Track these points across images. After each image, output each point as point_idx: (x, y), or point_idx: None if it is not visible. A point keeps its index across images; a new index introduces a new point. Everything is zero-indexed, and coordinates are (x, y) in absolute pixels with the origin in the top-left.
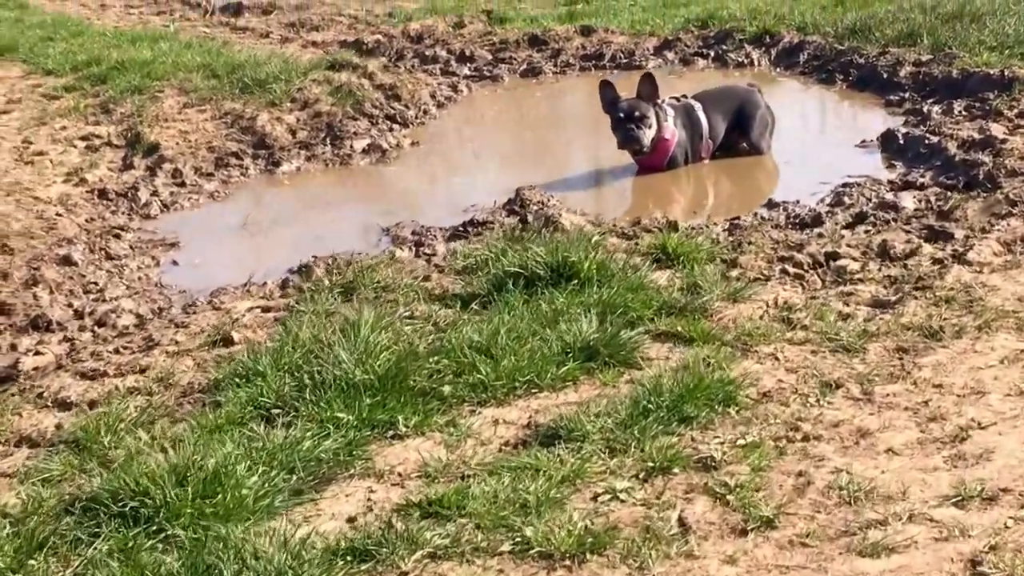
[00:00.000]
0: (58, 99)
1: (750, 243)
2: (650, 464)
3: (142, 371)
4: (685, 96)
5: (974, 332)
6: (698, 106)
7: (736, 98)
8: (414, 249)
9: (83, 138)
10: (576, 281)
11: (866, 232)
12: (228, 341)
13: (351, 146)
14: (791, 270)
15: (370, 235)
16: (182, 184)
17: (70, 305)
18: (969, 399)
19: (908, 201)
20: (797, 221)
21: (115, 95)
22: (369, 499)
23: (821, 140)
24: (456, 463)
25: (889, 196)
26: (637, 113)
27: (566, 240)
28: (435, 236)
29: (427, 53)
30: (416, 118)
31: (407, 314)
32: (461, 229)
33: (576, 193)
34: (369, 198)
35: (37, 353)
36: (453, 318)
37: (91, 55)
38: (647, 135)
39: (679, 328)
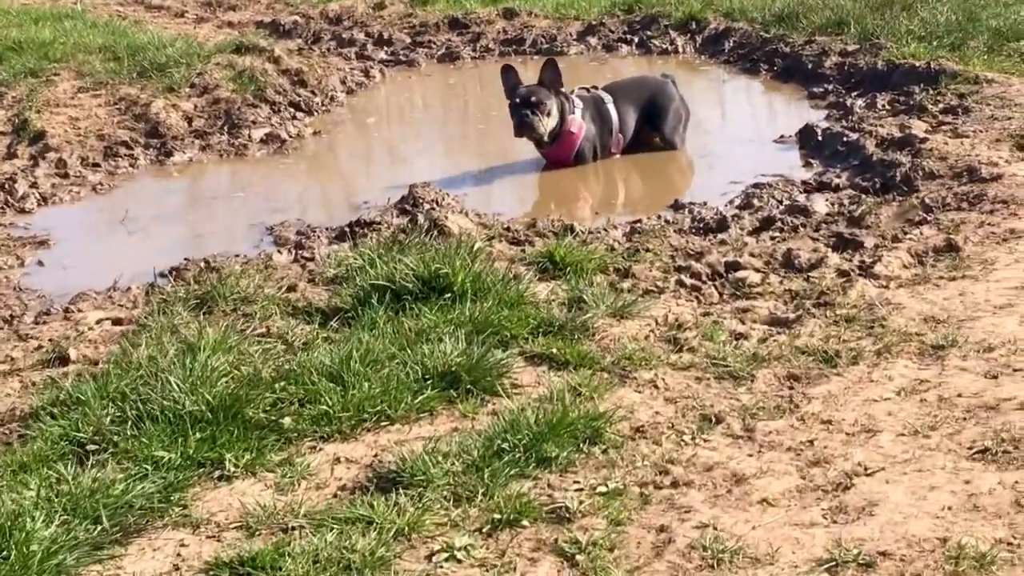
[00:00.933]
0: None
1: (647, 250)
2: (496, 515)
3: None
4: (595, 87)
5: (872, 358)
6: (608, 98)
7: (648, 90)
8: (293, 252)
9: None
10: (449, 295)
11: (772, 239)
12: (64, 360)
13: (249, 135)
14: (688, 281)
15: (253, 234)
16: (65, 175)
17: None
18: (858, 439)
19: (820, 205)
20: (701, 226)
21: (8, 78)
22: (179, 555)
23: (739, 135)
24: (283, 511)
25: (801, 199)
26: (534, 99)
27: (444, 248)
28: (319, 237)
29: (344, 36)
30: (322, 105)
31: (260, 331)
32: (347, 230)
33: (477, 189)
34: (260, 193)
35: None
36: (309, 336)
37: None
38: (544, 123)
39: (554, 350)
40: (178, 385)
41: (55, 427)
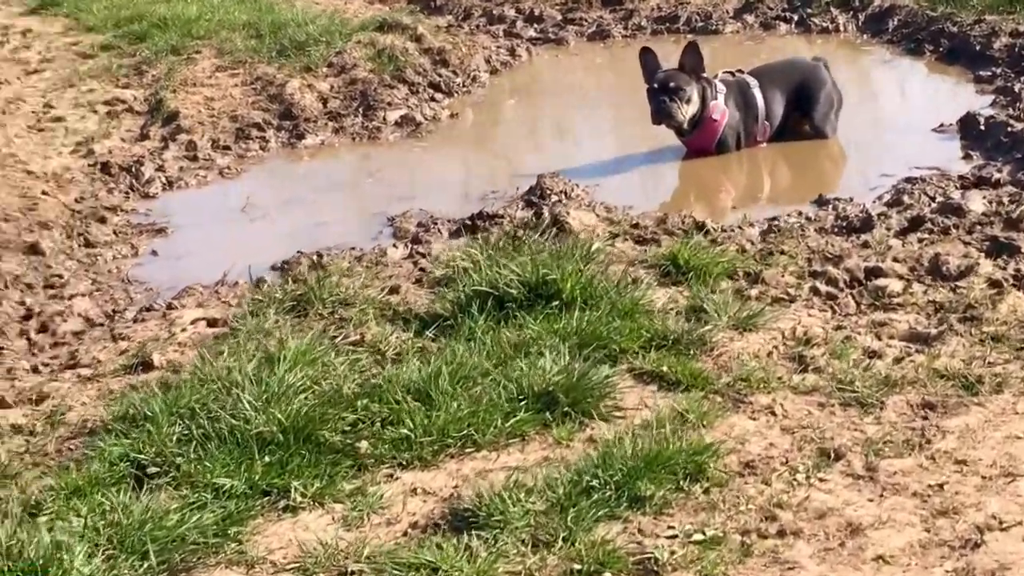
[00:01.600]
0: (93, 58)
1: (782, 252)
2: (576, 566)
3: (38, 401)
4: (740, 71)
5: (1019, 385)
6: (754, 83)
7: (798, 74)
8: (409, 247)
9: (107, 103)
10: (557, 303)
11: (920, 242)
12: (147, 366)
13: (384, 118)
14: (823, 289)
15: (374, 224)
16: (194, 158)
17: (22, 303)
18: (995, 484)
19: (976, 203)
20: (844, 225)
21: (150, 55)
22: None
23: (896, 122)
24: (345, 551)
25: (956, 196)
26: (673, 84)
27: (558, 249)
28: (439, 230)
29: (495, 12)
30: (463, 86)
31: (353, 339)
32: (468, 223)
33: (612, 179)
34: (389, 179)
35: None
36: (403, 347)
37: (135, 11)
38: (683, 110)
39: (665, 367)
40: (249, 402)
41: (116, 446)
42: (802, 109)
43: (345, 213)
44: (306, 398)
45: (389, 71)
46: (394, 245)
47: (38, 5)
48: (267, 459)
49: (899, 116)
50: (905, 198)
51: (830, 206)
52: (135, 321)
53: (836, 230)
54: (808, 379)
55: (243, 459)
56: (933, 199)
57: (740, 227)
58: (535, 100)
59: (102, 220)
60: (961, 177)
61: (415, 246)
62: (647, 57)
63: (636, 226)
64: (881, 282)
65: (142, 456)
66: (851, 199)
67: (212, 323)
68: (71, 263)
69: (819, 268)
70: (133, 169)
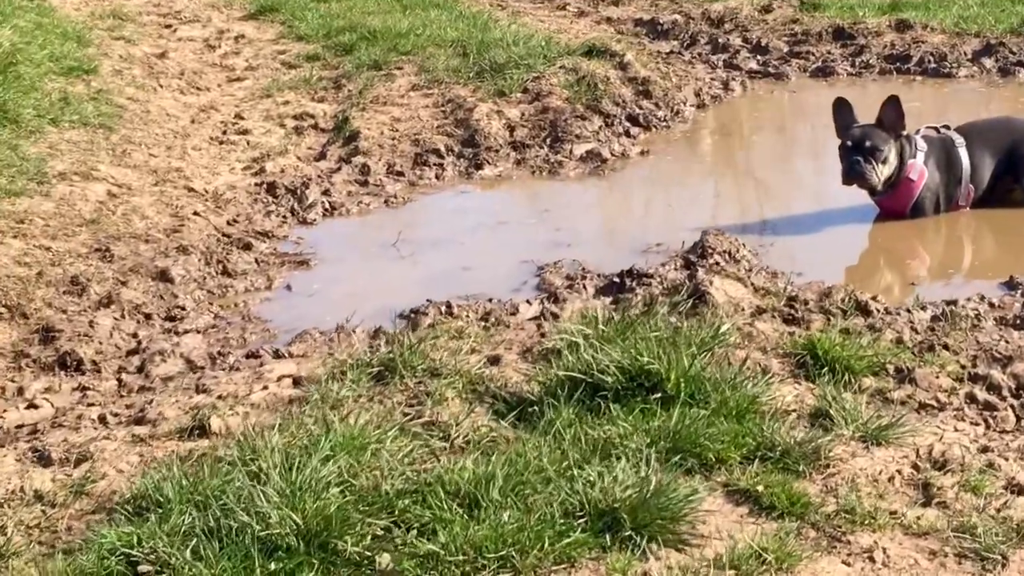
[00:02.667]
0: (296, 68)
1: (945, 346)
2: None
3: (78, 462)
4: (946, 127)
5: None
6: (960, 141)
7: (1012, 133)
8: (543, 304)
9: (296, 117)
10: (658, 395)
11: None
12: (203, 431)
13: (570, 151)
14: (980, 396)
15: (523, 272)
16: (364, 183)
17: (135, 335)
18: None
19: None
20: None
21: (351, 69)
22: None
23: None
24: None
25: None
26: (868, 143)
27: (680, 328)
28: (585, 287)
29: (720, 40)
30: (663, 120)
31: (426, 419)
32: (617, 281)
33: (789, 240)
34: (554, 220)
35: (31, 406)
36: (477, 435)
37: (349, 21)
38: (878, 171)
39: (762, 487)
40: (269, 496)
41: (110, 536)
42: (1014, 173)
43: (497, 257)
44: (338, 494)
45: (585, 100)
46: (528, 301)
47: (257, 10)
48: (272, 566)
49: None
50: None
51: (1020, 291)
52: (229, 369)
53: (1018, 322)
54: (927, 516)
55: (244, 565)
56: None
57: (909, 309)
58: (735, 140)
59: (247, 247)
60: None
61: (551, 304)
62: (841, 109)
63: (793, 300)
64: None
65: (135, 551)
66: None
67: (297, 382)
68: (200, 293)
69: (983, 370)
70: (298, 191)
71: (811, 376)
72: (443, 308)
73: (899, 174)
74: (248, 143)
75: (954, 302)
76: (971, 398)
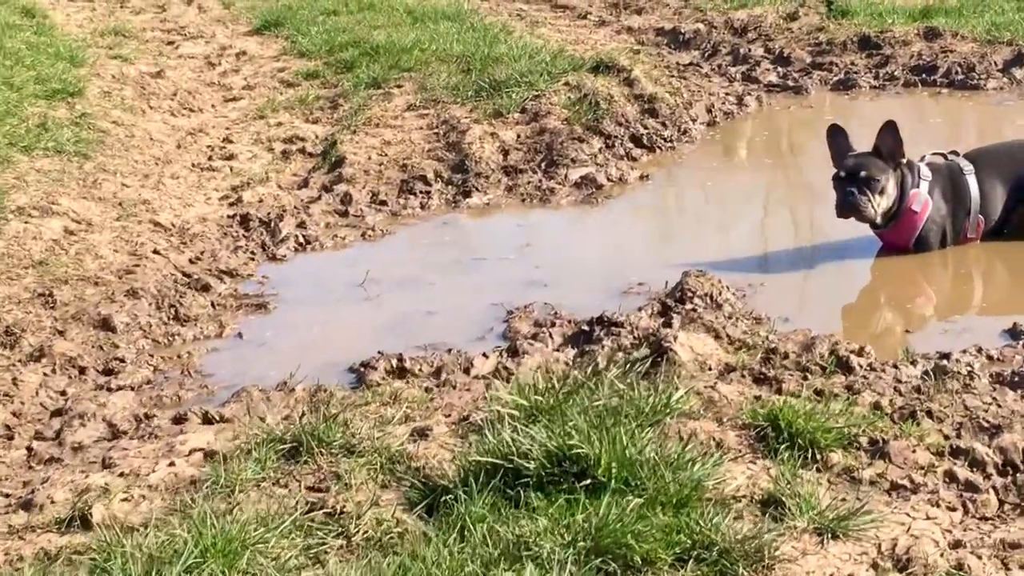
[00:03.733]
0: (294, 87)
1: (928, 413)
2: None
3: None
4: (954, 152)
5: None
6: (968, 168)
7: None
8: (500, 358)
9: (287, 140)
10: (588, 481)
11: None
12: (85, 522)
13: (564, 176)
14: (961, 475)
15: (490, 317)
16: (344, 213)
17: (63, 393)
18: None
19: None
20: None
21: (349, 88)
22: None
23: None
24: None
25: None
26: (864, 174)
27: (644, 391)
28: (550, 336)
29: (742, 51)
30: (669, 141)
31: (330, 508)
32: (586, 329)
33: (781, 278)
34: (533, 256)
35: None
36: (380, 530)
37: (352, 36)
38: (875, 203)
39: None
40: None
41: None
42: None
43: (464, 299)
44: None
45: (585, 120)
46: (484, 354)
47: (262, 24)
48: None
49: None
50: None
51: (1022, 342)
52: (147, 437)
53: (1015, 381)
54: None
55: None
56: None
57: (896, 365)
58: (740, 164)
59: (205, 288)
60: None
61: (508, 359)
62: (836, 137)
63: (771, 354)
64: None
65: None
66: None
67: (209, 456)
68: (144, 342)
69: (967, 443)
70: (272, 224)
71: (771, 452)
72: (394, 362)
73: (900, 205)
74: (231, 169)
75: (947, 355)
76: (950, 477)
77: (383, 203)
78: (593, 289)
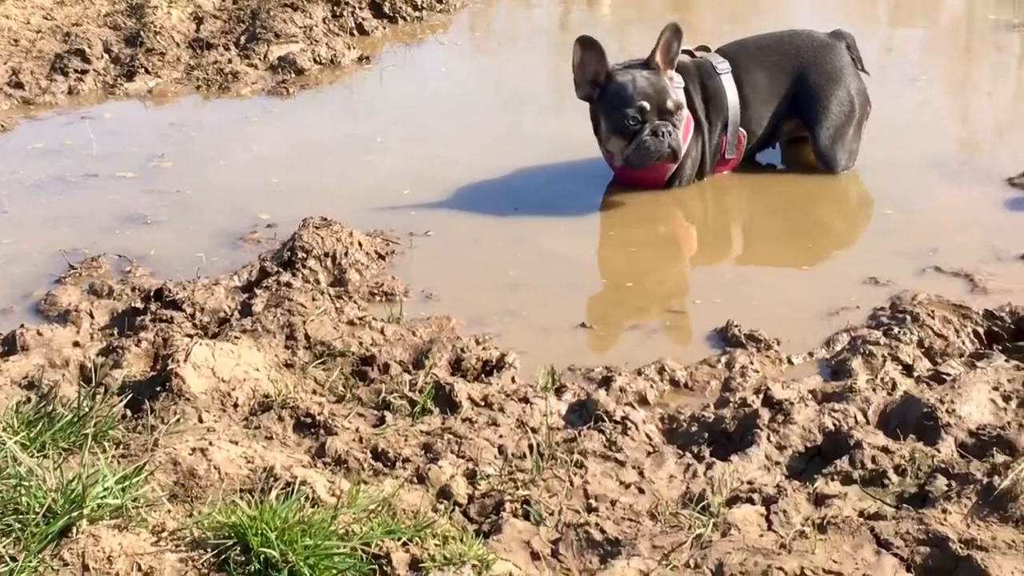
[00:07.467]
0: None
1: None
2: None
3: None
4: (706, 48)
5: None
6: (724, 66)
7: (799, 56)
8: None
9: None
10: None
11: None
12: None
13: (264, 55)
14: None
15: (43, 271)
16: None
17: None
18: None
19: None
20: (719, 428)
21: None
22: None
23: (983, 166)
24: None
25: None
26: (669, 103)
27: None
28: (92, 311)
29: None
30: (419, 8)
31: None
32: (139, 307)
33: (456, 221)
34: (161, 174)
35: None
36: None
37: None
38: (678, 137)
39: None
40: None
41: None
42: (801, 115)
43: (29, 240)
44: None
45: None
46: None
47: None
48: None
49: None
50: (861, 356)
51: (755, 345)
52: None
53: (697, 439)
54: None
55: None
56: (905, 365)
57: (528, 398)
58: (495, 45)
59: None
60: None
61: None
62: (587, 51)
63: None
64: None
65: None
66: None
67: None
68: None
69: None
70: None
71: None
72: None
73: None
74: None
75: (609, 379)
76: None
77: (19, 85)
78: (210, 229)
